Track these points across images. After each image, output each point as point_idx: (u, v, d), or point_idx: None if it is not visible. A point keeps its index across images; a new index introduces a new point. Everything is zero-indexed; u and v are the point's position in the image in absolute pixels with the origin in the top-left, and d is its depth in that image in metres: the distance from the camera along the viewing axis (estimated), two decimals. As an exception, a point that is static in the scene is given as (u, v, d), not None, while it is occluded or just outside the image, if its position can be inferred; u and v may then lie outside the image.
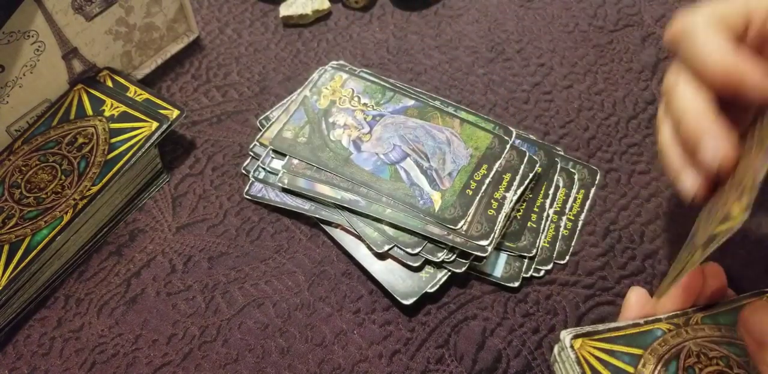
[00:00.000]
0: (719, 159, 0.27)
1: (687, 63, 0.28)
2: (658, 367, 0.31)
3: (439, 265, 0.38)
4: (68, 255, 0.40)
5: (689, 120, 0.28)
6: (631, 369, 0.31)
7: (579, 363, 0.31)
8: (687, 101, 0.28)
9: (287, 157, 0.42)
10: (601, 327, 0.32)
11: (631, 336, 0.32)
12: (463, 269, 0.38)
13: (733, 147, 0.27)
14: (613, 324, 0.32)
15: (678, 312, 0.33)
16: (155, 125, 0.42)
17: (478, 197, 0.39)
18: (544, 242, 0.40)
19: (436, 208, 0.39)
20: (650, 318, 0.32)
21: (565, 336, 0.32)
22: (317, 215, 0.41)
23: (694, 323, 0.32)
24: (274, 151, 0.43)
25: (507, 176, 0.40)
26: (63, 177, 0.41)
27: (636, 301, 0.34)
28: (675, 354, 0.31)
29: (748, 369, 0.30)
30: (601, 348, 0.31)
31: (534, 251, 0.40)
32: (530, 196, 0.41)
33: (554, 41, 0.51)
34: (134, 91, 0.44)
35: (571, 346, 0.31)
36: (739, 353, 0.31)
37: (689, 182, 0.29)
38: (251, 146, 0.44)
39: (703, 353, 0.31)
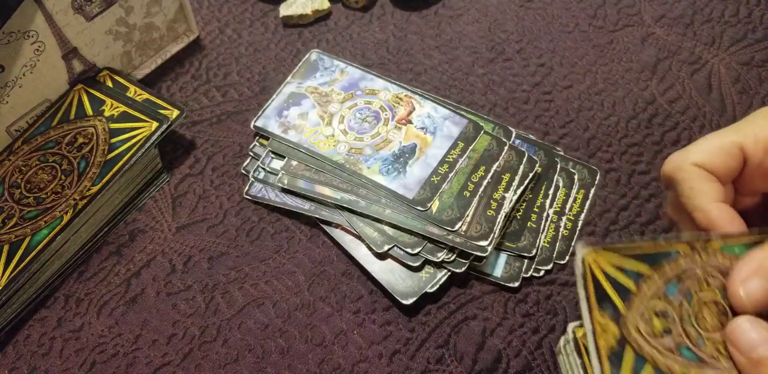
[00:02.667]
0: None
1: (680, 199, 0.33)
2: (660, 286, 0.30)
3: (439, 265, 0.38)
4: (68, 255, 0.40)
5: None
6: (632, 286, 0.30)
7: (584, 276, 0.30)
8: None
9: (286, 158, 0.42)
10: (618, 242, 0.31)
11: (645, 254, 0.31)
12: (463, 269, 0.38)
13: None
14: (630, 241, 0.31)
15: (701, 234, 0.32)
16: (155, 125, 0.42)
17: (476, 199, 0.39)
18: (544, 242, 0.40)
19: (434, 210, 0.39)
20: (671, 237, 0.31)
21: (579, 246, 0.31)
22: (317, 215, 0.41)
23: (712, 249, 0.31)
24: (273, 152, 0.43)
25: (506, 177, 0.40)
26: (63, 177, 0.41)
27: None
28: (680, 277, 0.31)
29: None
30: (611, 261, 0.31)
31: (534, 251, 0.40)
32: (530, 196, 0.41)
33: (554, 41, 0.51)
34: (134, 91, 0.44)
35: (582, 260, 0.30)
36: None
37: None
38: (251, 146, 0.44)
39: (706, 280, 0.31)
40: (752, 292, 0.29)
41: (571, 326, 0.32)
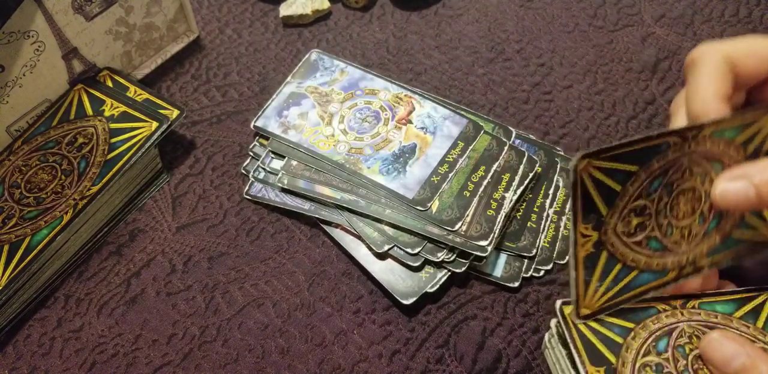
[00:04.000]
0: None
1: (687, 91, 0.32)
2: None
3: (439, 265, 0.38)
4: (68, 255, 0.40)
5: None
6: (618, 188, 0.30)
7: (575, 185, 0.29)
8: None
9: (286, 158, 0.42)
10: (611, 145, 0.30)
11: (635, 152, 0.29)
12: (463, 269, 0.38)
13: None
14: (624, 140, 0.30)
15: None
16: (155, 125, 0.42)
17: (476, 199, 0.39)
18: (544, 242, 0.40)
19: (434, 210, 0.39)
20: (665, 130, 0.30)
21: (575, 156, 0.29)
22: (317, 215, 0.41)
23: (691, 307, 0.33)
24: (273, 152, 0.43)
25: (506, 176, 0.40)
26: (63, 177, 0.41)
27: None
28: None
29: None
30: (602, 167, 0.29)
31: (534, 251, 0.40)
32: (530, 196, 0.41)
33: (554, 41, 0.51)
34: (134, 91, 0.44)
35: (575, 166, 0.29)
36: (721, 170, 0.31)
37: None
38: (251, 146, 0.44)
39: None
40: (729, 192, 0.29)
41: (558, 303, 0.32)
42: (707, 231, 0.31)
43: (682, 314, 0.32)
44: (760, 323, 0.32)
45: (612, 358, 0.31)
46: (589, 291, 0.30)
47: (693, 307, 0.33)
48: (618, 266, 0.30)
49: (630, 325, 0.32)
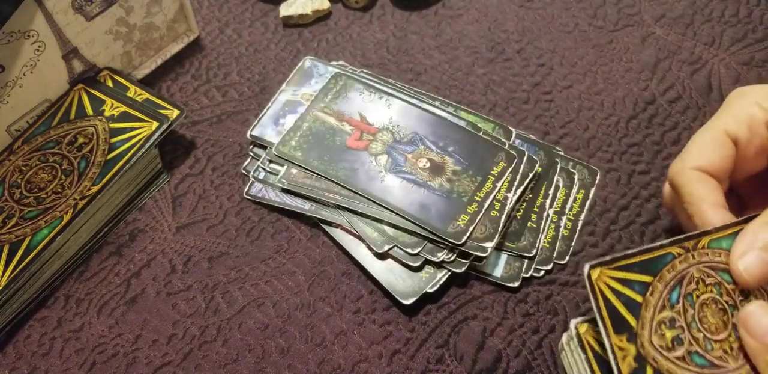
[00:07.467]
0: None
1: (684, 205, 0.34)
2: (663, 294, 0.30)
3: (439, 265, 0.38)
4: (68, 255, 0.40)
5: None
6: (639, 299, 0.29)
7: (594, 295, 0.29)
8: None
9: (285, 166, 0.42)
10: (619, 254, 0.30)
11: (644, 262, 0.30)
12: (463, 269, 0.38)
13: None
14: (630, 251, 0.30)
15: (691, 234, 0.31)
16: (155, 124, 0.42)
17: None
18: (544, 242, 0.40)
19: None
20: (666, 241, 0.31)
21: (585, 266, 0.30)
22: (317, 215, 0.41)
23: (701, 247, 0.31)
24: (277, 158, 0.42)
25: (507, 177, 0.40)
26: (63, 177, 0.41)
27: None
28: (679, 280, 0.30)
29: (735, 297, 0.30)
30: (617, 277, 0.30)
31: (534, 251, 0.40)
32: (530, 196, 0.41)
33: (554, 41, 0.51)
34: (134, 91, 0.44)
35: (589, 276, 0.29)
36: (731, 280, 0.30)
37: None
38: (251, 146, 0.44)
39: (702, 279, 0.30)
40: (750, 266, 0.29)
41: (573, 322, 0.31)
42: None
43: (693, 257, 0.30)
44: None
45: (632, 320, 0.29)
46: None
47: (702, 247, 0.31)
48: None
49: (648, 279, 0.30)
